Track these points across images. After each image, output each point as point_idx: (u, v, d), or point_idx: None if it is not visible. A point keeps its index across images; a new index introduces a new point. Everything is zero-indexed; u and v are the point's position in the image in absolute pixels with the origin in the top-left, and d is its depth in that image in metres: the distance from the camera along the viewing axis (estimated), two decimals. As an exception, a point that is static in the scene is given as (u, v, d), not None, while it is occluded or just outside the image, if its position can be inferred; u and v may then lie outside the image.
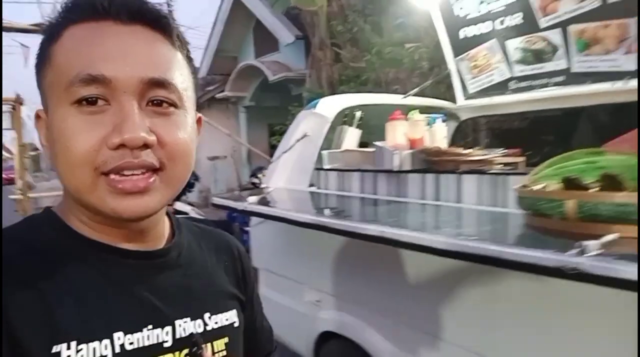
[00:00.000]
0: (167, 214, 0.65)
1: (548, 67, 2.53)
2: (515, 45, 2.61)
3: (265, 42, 10.10)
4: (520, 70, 2.66)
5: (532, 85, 2.64)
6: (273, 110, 9.86)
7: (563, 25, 2.37)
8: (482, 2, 2.63)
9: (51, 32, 0.54)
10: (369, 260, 1.83)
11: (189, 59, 0.58)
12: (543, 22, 2.44)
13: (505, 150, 2.11)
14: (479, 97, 2.92)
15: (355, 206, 1.90)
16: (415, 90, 2.87)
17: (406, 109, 2.69)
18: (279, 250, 2.54)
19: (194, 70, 0.59)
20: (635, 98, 2.13)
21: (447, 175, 1.73)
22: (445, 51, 2.96)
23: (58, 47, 0.53)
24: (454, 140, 3.23)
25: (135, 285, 0.56)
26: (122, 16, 0.52)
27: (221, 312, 0.63)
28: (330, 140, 2.54)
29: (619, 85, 2.28)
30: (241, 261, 0.72)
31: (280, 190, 2.47)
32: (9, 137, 7.32)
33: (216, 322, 0.62)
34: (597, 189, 1.08)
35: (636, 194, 0.99)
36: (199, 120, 0.61)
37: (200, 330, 0.60)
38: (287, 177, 2.55)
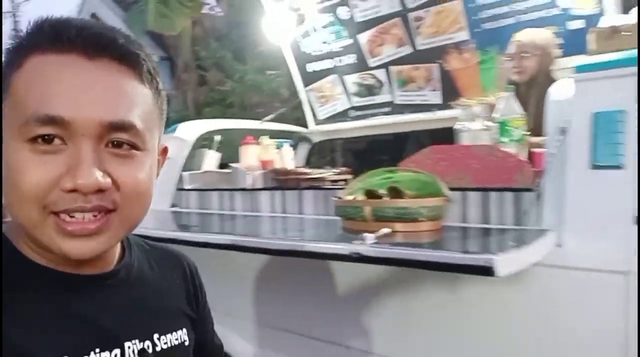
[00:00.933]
0: None
1: (377, 99, 3.04)
2: (352, 80, 3.08)
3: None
4: (357, 101, 3.14)
5: (367, 114, 3.13)
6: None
7: (386, 66, 2.90)
8: (324, 42, 3.07)
9: (12, 58, 0.51)
10: (224, 267, 2.05)
11: (159, 93, 0.57)
12: (371, 62, 2.95)
13: (341, 169, 2.51)
14: (326, 123, 3.34)
15: (212, 221, 2.12)
16: (271, 116, 3.19)
17: (263, 133, 3.00)
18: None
19: (163, 103, 0.59)
20: (441, 125, 2.71)
21: (292, 191, 2.04)
22: (296, 82, 3.34)
23: (18, 76, 0.51)
24: (309, 161, 3.63)
25: (83, 308, 0.55)
26: (88, 49, 0.50)
27: (171, 332, 0.63)
28: (192, 162, 2.71)
29: (430, 115, 2.86)
30: (192, 278, 0.71)
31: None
32: None
33: (165, 343, 0.61)
34: (387, 197, 1.46)
35: (413, 200, 1.39)
36: (164, 151, 0.62)
37: (150, 351, 0.59)
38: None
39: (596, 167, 1.29)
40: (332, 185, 2.09)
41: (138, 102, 0.53)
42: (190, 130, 2.69)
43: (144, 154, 0.54)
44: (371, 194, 1.49)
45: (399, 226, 1.38)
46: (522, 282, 1.32)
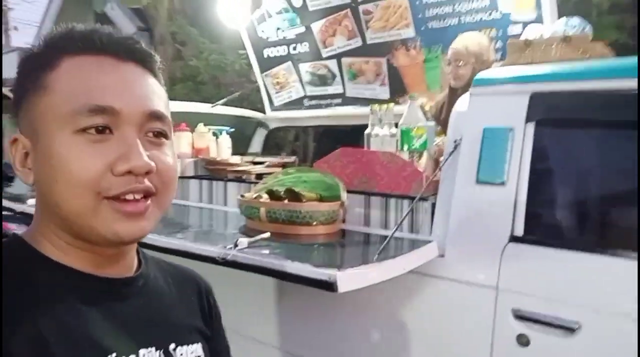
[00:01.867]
0: None
1: (330, 90, 3.03)
2: (305, 69, 3.06)
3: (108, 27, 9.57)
4: (310, 90, 3.12)
5: (320, 104, 3.12)
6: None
7: (338, 57, 2.88)
8: (278, 29, 3.03)
9: (45, 61, 0.55)
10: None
11: (166, 94, 0.62)
12: (324, 53, 2.92)
13: (288, 157, 2.51)
14: (282, 110, 3.33)
15: None
16: (223, 100, 3.16)
17: (215, 118, 2.98)
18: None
19: (168, 103, 0.63)
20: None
21: (218, 182, 2.05)
22: (253, 66, 3.31)
23: (56, 75, 0.54)
24: (265, 147, 3.63)
25: (99, 312, 0.56)
26: (119, 53, 0.55)
27: (187, 344, 0.63)
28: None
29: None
30: (207, 297, 0.73)
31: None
32: None
33: (182, 354, 0.62)
34: (285, 199, 1.47)
35: (304, 203, 1.40)
36: None
37: None
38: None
39: (480, 182, 1.31)
40: (257, 178, 2.10)
41: (162, 96, 0.59)
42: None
43: (170, 142, 0.59)
44: (272, 194, 1.50)
45: (290, 229, 1.40)
46: (403, 287, 1.36)
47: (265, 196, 1.53)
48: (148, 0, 4.09)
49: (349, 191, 1.58)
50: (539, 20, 2.10)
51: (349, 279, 0.97)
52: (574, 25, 1.71)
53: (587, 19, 1.73)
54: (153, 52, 0.60)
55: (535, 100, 1.27)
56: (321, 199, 1.52)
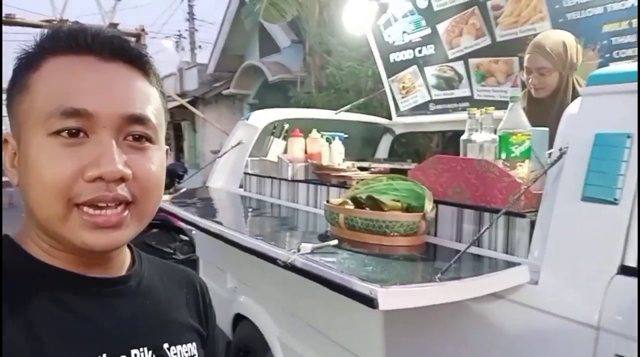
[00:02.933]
0: (128, 244, 0.63)
1: (457, 93, 2.85)
2: (431, 72, 2.93)
3: (269, 42, 10.48)
4: (436, 94, 2.97)
5: (446, 108, 2.96)
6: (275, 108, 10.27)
7: (464, 58, 2.69)
8: (404, 32, 2.95)
9: (29, 61, 0.54)
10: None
11: (163, 96, 0.60)
12: (450, 54, 2.76)
13: (406, 164, 2.44)
14: (408, 115, 3.24)
15: (237, 205, 2.27)
16: (346, 107, 3.20)
17: (340, 124, 3.04)
18: (211, 241, 2.91)
19: (166, 107, 0.61)
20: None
21: (323, 186, 2.08)
22: (380, 71, 3.29)
23: (38, 76, 0.52)
24: (391, 153, 3.57)
25: (91, 312, 0.55)
26: (104, 52, 0.53)
27: (181, 343, 0.62)
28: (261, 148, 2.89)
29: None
30: (203, 296, 0.71)
31: (214, 190, 2.84)
32: None
33: (175, 354, 0.61)
34: (366, 207, 1.42)
35: (380, 213, 1.34)
36: (165, 153, 0.62)
37: None
38: (224, 178, 2.93)
39: (587, 199, 1.09)
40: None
41: (150, 99, 0.56)
42: (261, 118, 2.86)
43: (156, 148, 0.56)
44: (355, 201, 1.47)
45: (367, 238, 1.35)
46: (492, 313, 1.20)
47: (350, 203, 1.50)
48: (292, 15, 4.34)
49: (441, 202, 1.46)
50: None
51: (391, 296, 0.89)
52: None
53: None
54: (144, 53, 0.57)
55: (664, 99, 1.02)
56: (407, 209, 1.43)
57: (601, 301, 1.02)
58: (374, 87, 5.27)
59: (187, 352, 0.63)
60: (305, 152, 2.37)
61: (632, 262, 1.01)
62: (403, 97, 3.22)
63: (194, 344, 0.64)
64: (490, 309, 1.20)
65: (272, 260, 1.19)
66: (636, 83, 1.06)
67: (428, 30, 2.81)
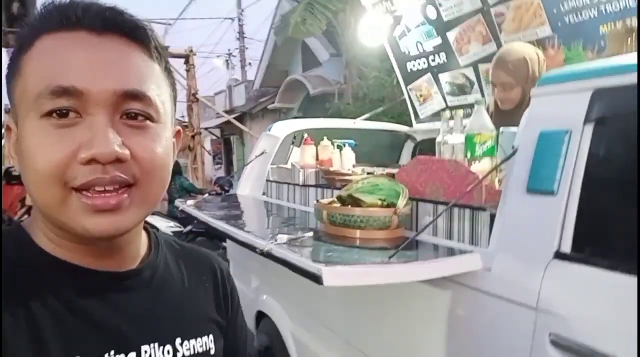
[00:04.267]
0: (147, 230, 0.61)
1: (469, 99, 2.91)
2: (445, 79, 3.02)
3: (312, 57, 10.80)
4: (451, 101, 3.05)
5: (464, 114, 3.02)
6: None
7: (474, 64, 2.76)
8: (418, 42, 3.07)
9: (22, 42, 0.51)
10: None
11: (169, 72, 0.56)
12: (461, 61, 2.84)
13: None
14: (427, 122, 3.33)
15: (252, 208, 2.47)
16: (366, 116, 3.34)
17: (363, 133, 3.19)
18: (236, 245, 3.13)
19: (173, 83, 0.57)
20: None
21: (329, 190, 2.23)
22: (400, 81, 3.41)
23: (28, 57, 0.50)
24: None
25: (99, 308, 0.53)
26: (96, 26, 0.50)
27: (195, 337, 0.59)
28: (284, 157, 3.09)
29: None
30: (224, 283, 0.68)
31: (241, 197, 3.07)
32: None
33: (189, 349, 0.58)
34: (348, 205, 1.56)
35: (355, 209, 1.48)
36: (178, 134, 0.59)
37: (170, 356, 0.57)
38: (250, 186, 3.15)
39: (530, 191, 1.19)
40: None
41: (149, 74, 0.52)
42: (283, 129, 3.06)
43: (159, 126, 0.52)
44: (340, 200, 1.61)
45: (345, 232, 1.49)
46: (450, 298, 1.31)
47: (336, 203, 1.65)
48: (321, 29, 4.54)
49: (420, 200, 1.58)
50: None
51: (335, 275, 1.03)
52: None
53: None
54: (143, 23, 0.53)
55: (597, 98, 1.10)
56: (388, 206, 1.56)
57: (539, 284, 1.11)
58: (401, 95, 5.38)
59: (201, 346, 0.60)
60: (317, 159, 2.54)
61: (566, 249, 1.09)
62: (421, 105, 3.32)
63: (210, 336, 0.62)
64: (452, 294, 1.31)
65: (252, 248, 1.36)
66: (575, 82, 1.15)
67: (439, 40, 2.91)
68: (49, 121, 0.48)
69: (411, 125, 3.48)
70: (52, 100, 0.48)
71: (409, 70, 3.26)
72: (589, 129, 1.10)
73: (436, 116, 3.23)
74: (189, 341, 0.59)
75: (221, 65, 18.32)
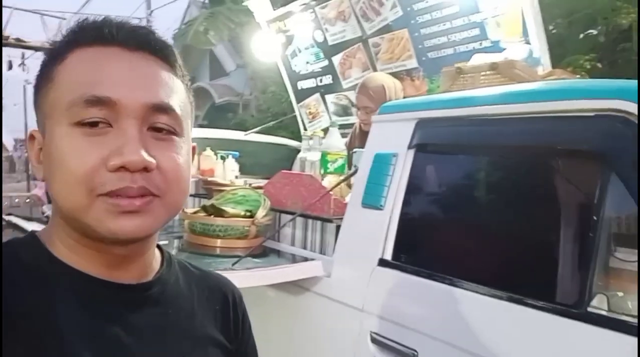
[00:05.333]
0: (160, 248, 0.63)
1: (351, 119, 3.12)
2: (330, 99, 3.21)
3: (219, 65, 10.72)
4: (335, 119, 3.25)
5: (345, 133, 3.23)
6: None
7: (355, 88, 2.98)
8: (307, 62, 3.23)
9: (56, 53, 0.54)
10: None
11: (190, 90, 0.59)
12: (344, 84, 3.05)
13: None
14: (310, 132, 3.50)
15: None
16: (257, 129, 3.43)
17: (249, 145, 3.26)
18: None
19: (192, 101, 0.60)
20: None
21: (203, 199, 2.27)
22: (291, 97, 3.55)
23: (62, 67, 0.52)
24: (304, 173, 3.82)
25: (107, 321, 0.53)
26: (129, 43, 0.53)
27: None
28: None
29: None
30: (235, 308, 0.68)
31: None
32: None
33: None
34: (211, 214, 1.62)
35: (215, 218, 1.54)
36: (193, 149, 0.61)
37: None
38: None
39: (364, 205, 1.34)
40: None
41: (175, 90, 0.55)
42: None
43: (181, 140, 0.55)
44: (204, 209, 1.67)
45: (203, 240, 1.55)
46: (293, 302, 1.42)
47: (203, 212, 1.70)
48: (223, 40, 4.56)
49: (281, 211, 1.68)
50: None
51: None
52: (525, 52, 1.66)
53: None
54: (169, 43, 0.57)
55: (418, 126, 1.28)
56: (251, 217, 1.64)
57: (365, 288, 1.25)
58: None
59: None
60: (198, 168, 2.56)
61: (387, 257, 1.25)
62: (310, 122, 3.48)
63: None
64: (298, 299, 1.42)
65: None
66: (403, 113, 1.33)
67: (326, 62, 3.10)
68: (80, 129, 0.50)
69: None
70: (85, 108, 0.50)
71: (300, 88, 3.41)
72: (411, 153, 1.28)
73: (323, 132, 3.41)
74: None
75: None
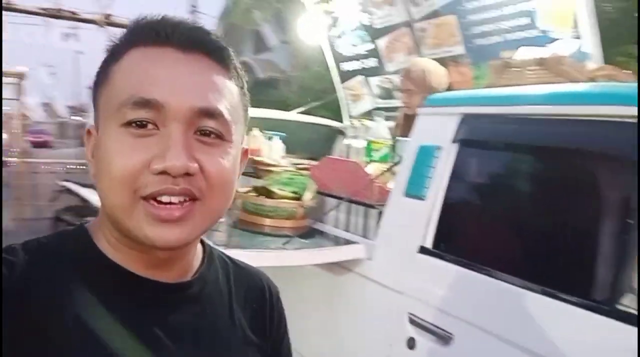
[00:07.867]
0: (202, 242, 0.63)
1: (395, 103, 3.16)
2: (374, 82, 3.24)
3: (262, 39, 10.81)
4: (378, 102, 3.29)
5: (388, 116, 3.27)
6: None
7: (399, 71, 3.00)
8: (353, 45, 3.27)
9: (113, 53, 0.55)
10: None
11: (244, 94, 0.58)
12: (388, 67, 3.08)
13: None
14: (356, 119, 3.56)
15: None
16: (302, 108, 3.52)
17: (294, 124, 3.36)
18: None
19: (247, 105, 0.59)
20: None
21: (253, 178, 2.40)
22: (333, 78, 3.60)
23: (117, 67, 0.53)
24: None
25: (146, 320, 0.54)
26: (183, 43, 0.53)
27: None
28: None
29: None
30: (271, 305, 0.68)
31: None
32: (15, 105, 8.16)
33: None
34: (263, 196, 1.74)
35: (264, 199, 1.66)
36: (245, 153, 0.61)
37: None
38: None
39: (407, 195, 1.41)
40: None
41: (225, 94, 0.54)
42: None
43: (229, 145, 0.54)
44: (256, 190, 1.79)
45: (256, 219, 1.67)
46: (337, 282, 1.53)
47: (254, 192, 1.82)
48: (267, 21, 4.60)
49: (326, 195, 1.78)
50: (578, 38, 1.99)
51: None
52: (573, 46, 1.66)
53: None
54: (225, 45, 0.56)
55: (463, 121, 1.33)
56: (298, 199, 1.75)
57: (406, 272, 1.34)
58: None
59: None
60: (247, 148, 2.68)
61: (428, 245, 1.33)
62: (353, 103, 3.53)
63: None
64: (340, 278, 1.53)
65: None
66: (447, 107, 1.38)
67: (371, 45, 3.13)
68: (128, 130, 0.51)
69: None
70: (133, 110, 0.50)
71: (343, 69, 3.46)
72: (455, 147, 1.34)
73: (366, 115, 3.46)
74: None
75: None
